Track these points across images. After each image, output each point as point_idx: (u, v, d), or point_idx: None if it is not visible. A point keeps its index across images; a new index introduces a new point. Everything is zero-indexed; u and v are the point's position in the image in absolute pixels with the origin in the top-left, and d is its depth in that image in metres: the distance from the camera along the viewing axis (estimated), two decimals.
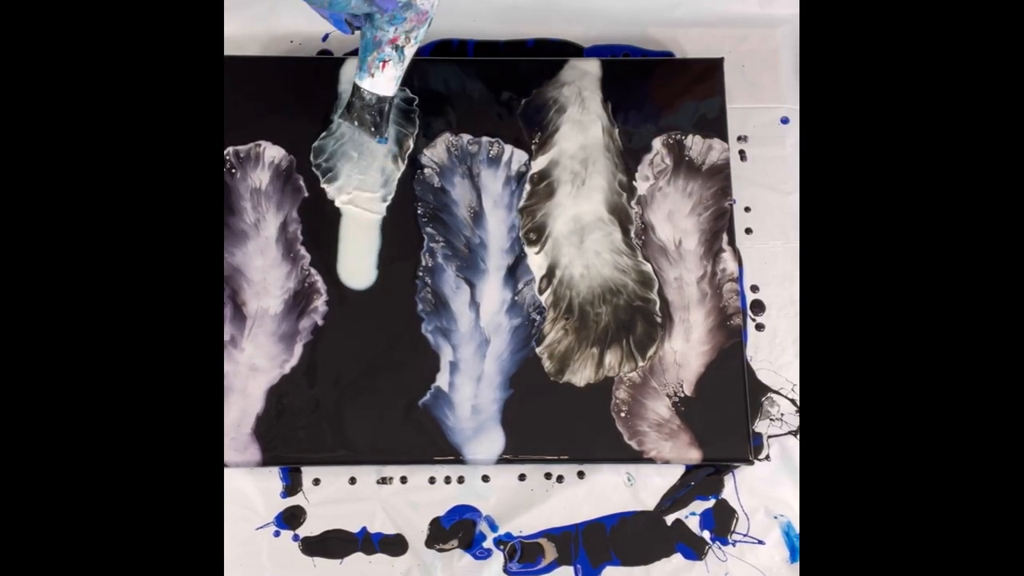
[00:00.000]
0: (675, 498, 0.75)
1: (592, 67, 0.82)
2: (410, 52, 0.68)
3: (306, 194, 0.78)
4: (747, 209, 0.82)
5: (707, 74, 0.82)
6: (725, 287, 0.76)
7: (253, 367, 0.74)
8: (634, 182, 0.79)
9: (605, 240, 0.77)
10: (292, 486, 0.75)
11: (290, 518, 0.74)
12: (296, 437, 0.72)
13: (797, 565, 0.73)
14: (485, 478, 0.75)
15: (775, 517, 0.74)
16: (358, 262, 0.77)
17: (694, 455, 0.73)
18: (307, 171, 0.79)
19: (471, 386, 0.74)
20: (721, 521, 0.74)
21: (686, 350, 0.75)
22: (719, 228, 0.78)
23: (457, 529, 0.74)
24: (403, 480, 0.75)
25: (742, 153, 0.83)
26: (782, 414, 0.77)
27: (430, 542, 0.73)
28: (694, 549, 0.73)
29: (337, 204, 0.78)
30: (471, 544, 0.73)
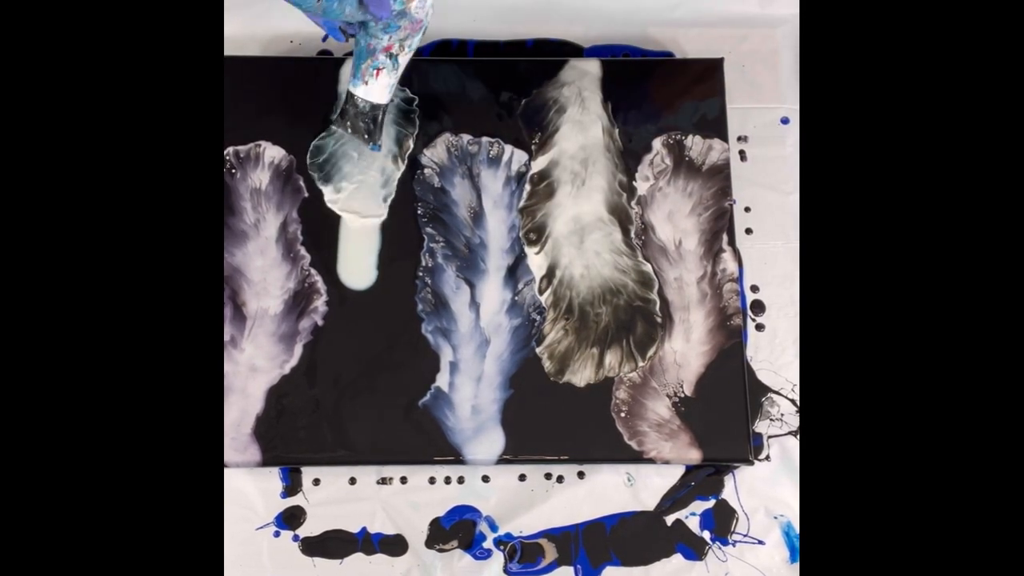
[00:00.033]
0: (675, 498, 0.75)
1: (592, 67, 0.82)
2: (404, 60, 0.68)
3: (306, 194, 0.78)
4: (747, 209, 0.82)
5: (707, 74, 0.82)
6: (725, 287, 0.76)
7: (253, 367, 0.74)
8: (634, 182, 0.79)
9: (605, 240, 0.77)
10: (292, 486, 0.75)
11: (290, 518, 0.74)
12: (296, 437, 0.72)
13: (797, 565, 0.72)
14: (485, 478, 0.75)
15: (775, 517, 0.74)
16: (358, 262, 0.77)
17: (694, 455, 0.73)
18: (307, 171, 0.79)
19: (471, 386, 0.74)
20: (721, 521, 0.74)
21: (686, 350, 0.75)
22: (719, 228, 0.78)
23: (457, 529, 0.74)
24: (403, 480, 0.75)
25: (742, 153, 0.83)
26: (782, 414, 0.77)
27: (430, 542, 0.73)
28: (694, 549, 0.73)
29: (334, 209, 0.78)
30: (471, 544, 0.73)
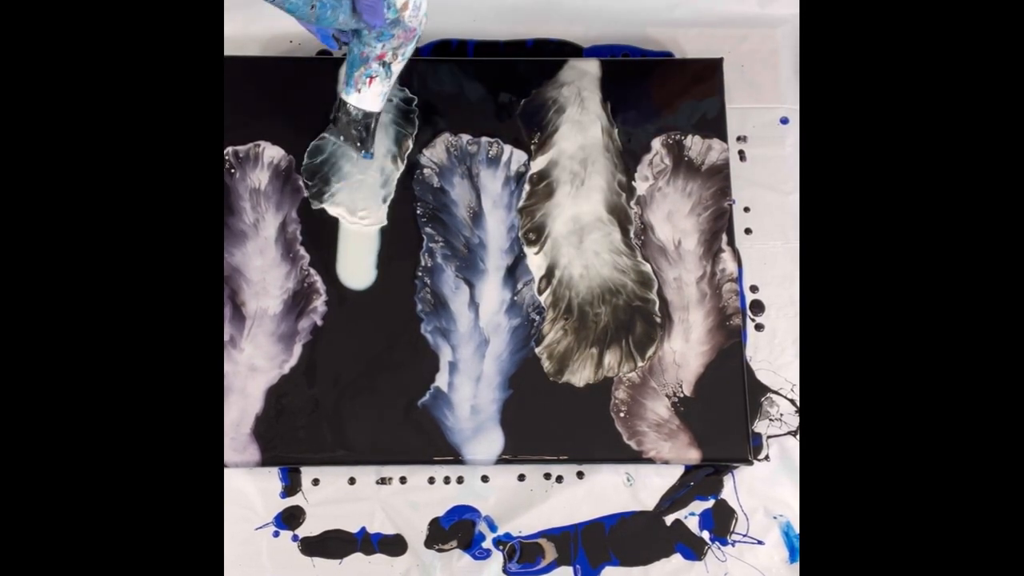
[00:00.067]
0: (674, 498, 0.75)
1: (591, 67, 0.82)
2: (397, 68, 0.68)
3: (305, 194, 0.78)
4: (747, 209, 0.82)
5: (707, 74, 0.82)
6: (724, 287, 0.76)
7: (252, 367, 0.74)
8: (633, 182, 0.79)
9: (604, 240, 0.77)
10: (291, 486, 0.75)
11: (289, 518, 0.74)
12: (295, 437, 0.72)
13: (796, 565, 0.73)
14: (484, 478, 0.75)
15: (774, 517, 0.74)
16: (357, 262, 0.77)
17: (693, 455, 0.73)
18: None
19: (470, 386, 0.74)
20: (720, 521, 0.74)
21: (685, 350, 0.75)
22: (718, 228, 0.78)
23: (456, 529, 0.74)
24: (402, 480, 0.75)
25: (742, 153, 0.83)
26: (781, 414, 0.77)
27: (429, 542, 0.73)
28: (693, 549, 0.73)
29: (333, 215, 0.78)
30: (470, 544, 0.73)
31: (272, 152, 0.79)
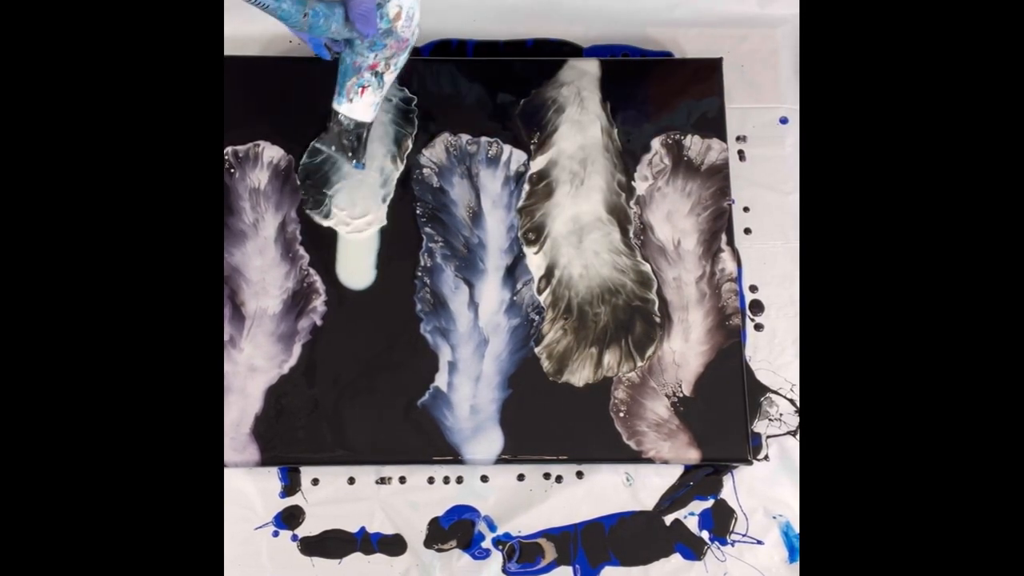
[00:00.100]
0: (674, 498, 0.75)
1: (591, 67, 0.82)
2: (389, 79, 0.68)
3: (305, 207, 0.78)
4: (746, 209, 0.82)
5: (706, 74, 0.82)
6: (724, 287, 0.76)
7: (252, 367, 0.74)
8: (633, 182, 0.79)
9: (604, 240, 0.77)
10: (291, 486, 0.75)
11: (289, 518, 0.74)
12: (295, 437, 0.72)
13: (796, 565, 0.73)
14: (484, 478, 0.75)
15: (774, 517, 0.74)
16: (357, 262, 0.77)
17: (693, 455, 0.73)
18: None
19: (470, 386, 0.74)
20: (720, 521, 0.74)
21: (685, 350, 0.75)
22: (718, 228, 0.78)
23: (456, 529, 0.74)
24: (402, 480, 0.75)
25: (741, 153, 0.83)
26: (781, 414, 0.77)
27: (429, 542, 0.73)
28: (693, 549, 0.73)
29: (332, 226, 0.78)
30: (470, 544, 0.73)
31: (272, 152, 0.79)
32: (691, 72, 0.83)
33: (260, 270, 0.76)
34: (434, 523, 0.74)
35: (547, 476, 0.75)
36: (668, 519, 0.74)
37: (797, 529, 0.73)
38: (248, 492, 0.74)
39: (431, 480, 0.75)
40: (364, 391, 0.73)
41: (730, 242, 0.77)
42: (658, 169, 0.80)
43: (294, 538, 0.73)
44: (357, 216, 0.78)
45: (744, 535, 0.74)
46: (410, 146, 0.80)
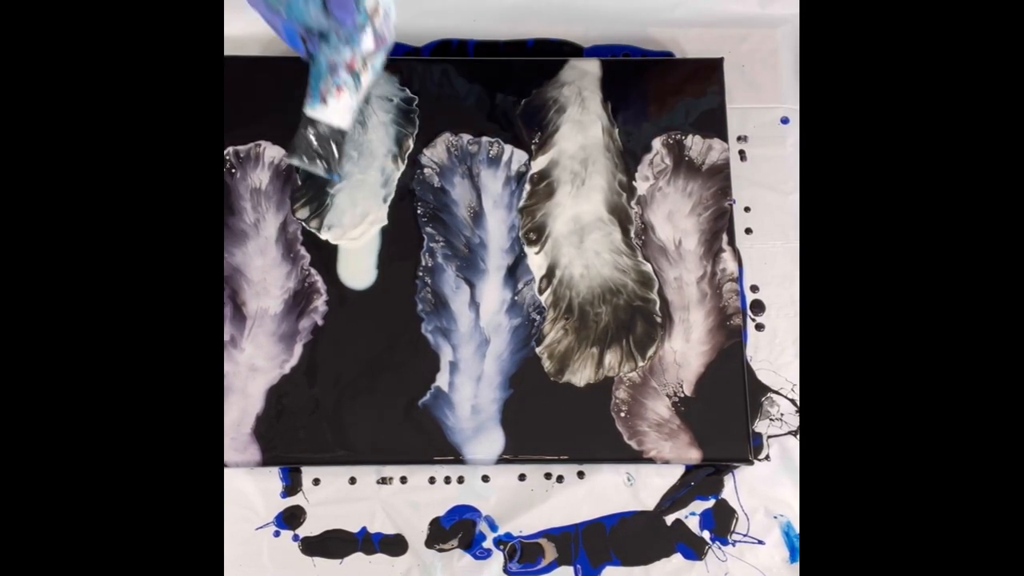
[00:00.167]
0: (675, 498, 0.75)
1: (592, 67, 0.82)
2: (366, 81, 0.64)
3: (299, 217, 0.78)
4: (747, 209, 0.82)
5: (707, 74, 0.82)
6: (725, 287, 0.76)
7: (253, 367, 0.74)
8: (634, 182, 0.79)
9: (605, 240, 0.77)
10: (292, 486, 0.75)
11: (290, 518, 0.74)
12: (296, 437, 0.72)
13: (797, 565, 0.73)
14: (485, 478, 0.75)
15: (775, 517, 0.74)
16: (358, 262, 0.77)
17: (694, 455, 0.73)
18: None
19: (471, 386, 0.74)
20: (721, 521, 0.74)
21: (686, 350, 0.75)
22: (719, 228, 0.78)
23: (457, 529, 0.74)
24: (403, 480, 0.75)
25: (742, 153, 0.83)
26: (782, 414, 0.77)
27: (430, 542, 0.73)
28: (694, 549, 0.73)
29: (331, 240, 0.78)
30: (471, 544, 0.73)
31: (273, 152, 0.79)
32: (692, 72, 0.83)
33: (261, 270, 0.76)
34: (435, 523, 0.74)
35: (548, 476, 0.75)
36: (669, 519, 0.74)
37: (798, 529, 0.73)
38: (249, 492, 0.74)
39: (432, 480, 0.75)
40: (365, 391, 0.73)
41: (731, 242, 0.77)
42: (659, 169, 0.80)
43: (295, 538, 0.73)
44: (356, 223, 0.77)
45: (745, 535, 0.74)
46: (411, 146, 0.80)
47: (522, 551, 0.73)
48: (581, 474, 0.75)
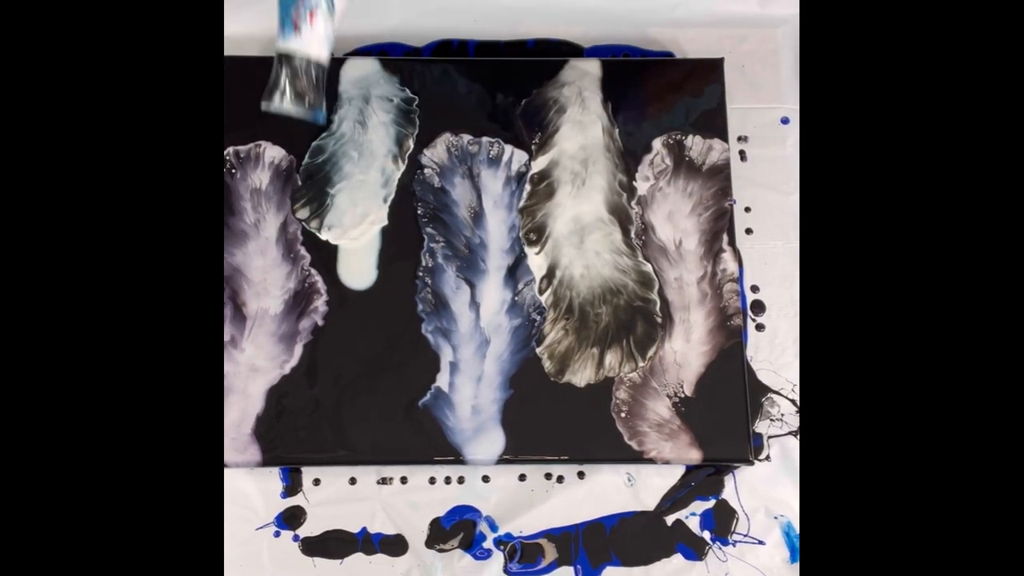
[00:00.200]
0: (675, 498, 0.75)
1: (592, 67, 0.82)
2: (340, 6, 0.58)
3: (299, 216, 0.78)
4: (747, 209, 0.82)
5: (707, 74, 0.82)
6: (725, 287, 0.76)
7: (253, 367, 0.74)
8: (634, 182, 0.79)
9: (605, 240, 0.77)
10: (292, 486, 0.75)
11: (290, 518, 0.74)
12: (296, 437, 0.72)
13: (797, 565, 0.72)
14: (485, 478, 0.75)
15: (775, 517, 0.74)
16: (358, 262, 0.77)
17: (694, 455, 0.73)
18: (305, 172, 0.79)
19: (471, 386, 0.74)
20: (721, 521, 0.74)
21: (686, 350, 0.75)
22: (719, 228, 0.78)
23: (457, 529, 0.74)
24: (403, 480, 0.75)
25: (742, 153, 0.83)
26: (782, 414, 0.76)
27: (430, 542, 0.73)
28: (694, 549, 0.73)
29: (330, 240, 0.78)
30: (471, 544, 0.73)
31: (273, 152, 0.79)
32: (692, 72, 0.83)
33: (261, 270, 0.76)
34: (435, 523, 0.74)
35: (548, 476, 0.75)
36: (669, 519, 0.74)
37: (798, 529, 0.73)
38: (249, 492, 0.74)
39: (432, 480, 0.75)
40: (365, 391, 0.73)
41: (731, 242, 0.77)
42: (659, 169, 0.80)
43: (295, 538, 0.73)
44: (356, 223, 0.77)
45: (745, 535, 0.74)
46: (411, 146, 0.80)
47: (522, 551, 0.73)
48: (581, 474, 0.75)
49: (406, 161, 0.79)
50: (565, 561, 0.73)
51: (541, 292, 0.76)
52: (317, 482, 0.75)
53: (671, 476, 0.75)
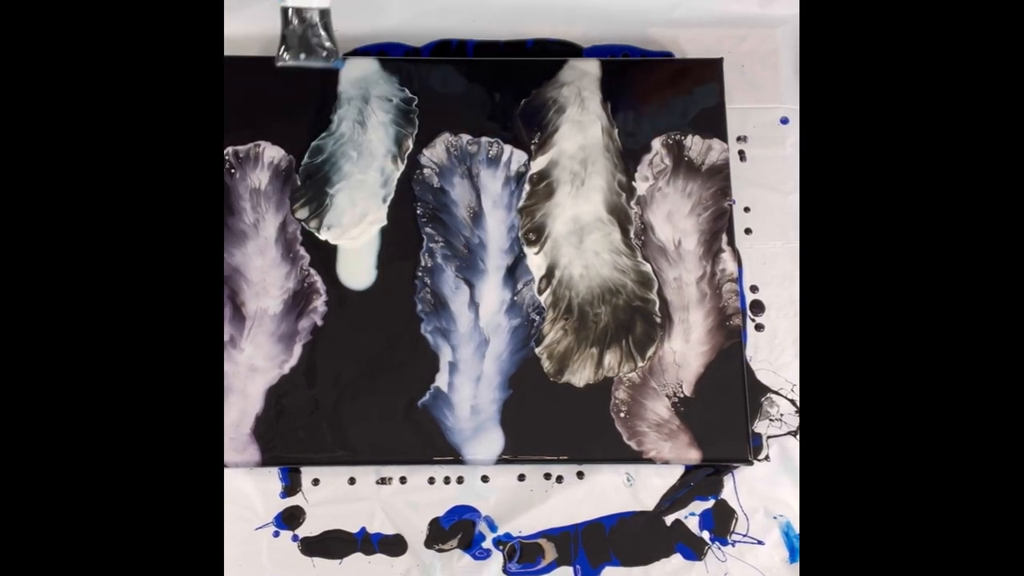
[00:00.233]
0: (674, 498, 0.75)
1: (592, 67, 0.82)
2: None
3: (299, 216, 0.78)
4: (747, 209, 0.82)
5: (706, 74, 0.82)
6: (724, 287, 0.76)
7: (252, 367, 0.74)
8: (633, 182, 0.79)
9: (604, 240, 0.77)
10: (291, 486, 0.75)
11: (289, 518, 0.74)
12: (295, 437, 0.72)
13: (796, 565, 0.72)
14: (484, 478, 0.75)
15: (774, 517, 0.74)
16: (357, 262, 0.77)
17: (693, 455, 0.73)
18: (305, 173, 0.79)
19: (470, 386, 0.74)
20: (720, 521, 0.74)
21: (685, 350, 0.75)
22: (718, 228, 0.78)
23: (456, 529, 0.74)
24: (402, 480, 0.75)
25: (742, 153, 0.83)
26: (781, 414, 0.77)
27: (429, 542, 0.73)
28: (693, 549, 0.73)
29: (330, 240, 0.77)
30: (470, 544, 0.73)
31: (272, 152, 0.79)
32: (691, 72, 0.83)
33: (261, 270, 0.76)
34: (435, 523, 0.74)
35: (548, 476, 0.75)
36: (669, 519, 0.74)
37: (798, 529, 0.73)
38: (248, 492, 0.74)
39: (432, 480, 0.75)
40: (364, 391, 0.73)
41: (731, 242, 0.77)
42: (659, 169, 0.80)
43: (295, 538, 0.73)
44: (356, 223, 0.77)
45: (745, 535, 0.74)
46: (411, 146, 0.80)
47: (521, 551, 0.73)
48: (581, 474, 0.75)
49: (405, 161, 0.79)
50: (564, 561, 0.73)
51: (540, 292, 0.76)
52: (316, 482, 0.75)
53: (670, 476, 0.75)
